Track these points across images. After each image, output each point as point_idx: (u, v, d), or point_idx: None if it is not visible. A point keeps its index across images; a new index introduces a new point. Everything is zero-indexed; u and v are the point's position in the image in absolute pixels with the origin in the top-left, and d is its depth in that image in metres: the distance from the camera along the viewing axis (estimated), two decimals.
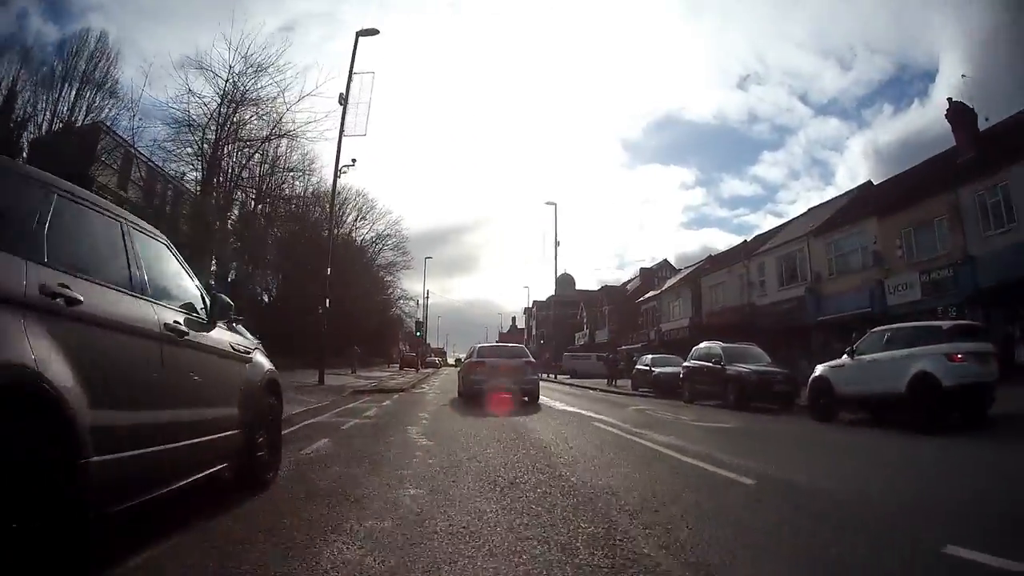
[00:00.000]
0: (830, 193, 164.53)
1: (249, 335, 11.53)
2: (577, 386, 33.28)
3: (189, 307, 4.39)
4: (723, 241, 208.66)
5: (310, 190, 46.44)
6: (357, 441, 8.86)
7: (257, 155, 36.00)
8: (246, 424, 4.94)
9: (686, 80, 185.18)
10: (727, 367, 18.28)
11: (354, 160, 23.25)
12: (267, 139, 33.44)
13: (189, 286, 4.63)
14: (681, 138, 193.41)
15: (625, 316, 59.08)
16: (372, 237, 63.44)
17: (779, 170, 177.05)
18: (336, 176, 22.60)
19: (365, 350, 56.42)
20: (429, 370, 57.65)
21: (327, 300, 22.22)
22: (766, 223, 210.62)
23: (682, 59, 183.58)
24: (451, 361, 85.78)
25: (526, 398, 17.86)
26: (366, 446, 8.31)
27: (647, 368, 26.59)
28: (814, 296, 31.14)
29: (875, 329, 14.09)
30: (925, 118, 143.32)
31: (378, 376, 32.10)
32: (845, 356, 13.88)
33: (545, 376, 45.72)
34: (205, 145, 30.80)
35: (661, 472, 6.77)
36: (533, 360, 19.83)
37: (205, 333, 4.46)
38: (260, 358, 5.64)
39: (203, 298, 4.69)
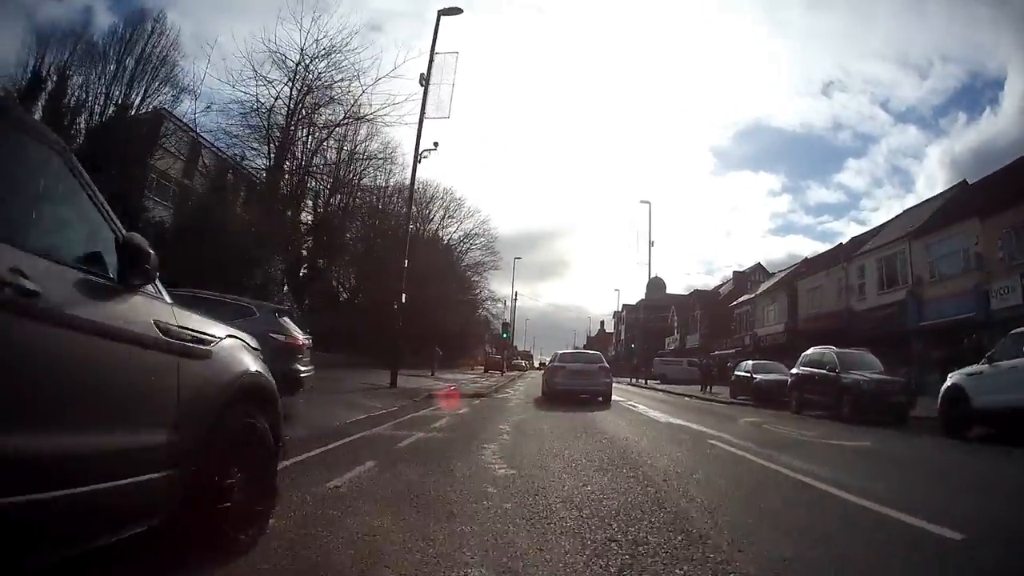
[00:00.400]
0: (910, 201, 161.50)
1: (291, 326, 10.33)
2: (669, 392, 31.91)
3: (90, 260, 2.67)
4: (808, 248, 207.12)
5: (392, 181, 46.02)
6: (412, 467, 6.66)
7: (332, 141, 35.76)
8: (190, 458, 2.99)
9: (773, 88, 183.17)
10: (842, 375, 16.73)
11: (436, 144, 22.20)
12: (341, 123, 33.15)
13: (98, 227, 2.82)
14: (769, 145, 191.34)
15: (717, 321, 57.10)
16: (460, 236, 63.14)
17: (862, 178, 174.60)
18: (416, 160, 21.66)
19: (448, 352, 55.77)
20: (514, 373, 56.57)
21: (403, 296, 21.46)
22: (849, 230, 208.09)
23: (768, 68, 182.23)
24: (537, 364, 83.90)
25: (600, 398, 20.02)
26: (421, 476, 6.17)
27: (747, 375, 25.16)
28: (915, 300, 29.40)
29: (1016, 331, 12.47)
30: (996, 127, 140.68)
31: (458, 379, 31.30)
32: (984, 363, 12.25)
33: (632, 381, 44.78)
34: (274, 129, 30.69)
35: (837, 524, 4.81)
36: (607, 365, 21.63)
37: (101, 303, 2.61)
38: (237, 354, 3.63)
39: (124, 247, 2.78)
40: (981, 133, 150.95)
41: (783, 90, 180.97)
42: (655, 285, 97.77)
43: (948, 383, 13.10)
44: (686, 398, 27.28)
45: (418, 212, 58.68)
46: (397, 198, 48.15)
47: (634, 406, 19.58)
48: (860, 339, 28.19)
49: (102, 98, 24.50)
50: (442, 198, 60.18)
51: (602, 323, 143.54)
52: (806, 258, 47.10)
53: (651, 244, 44.07)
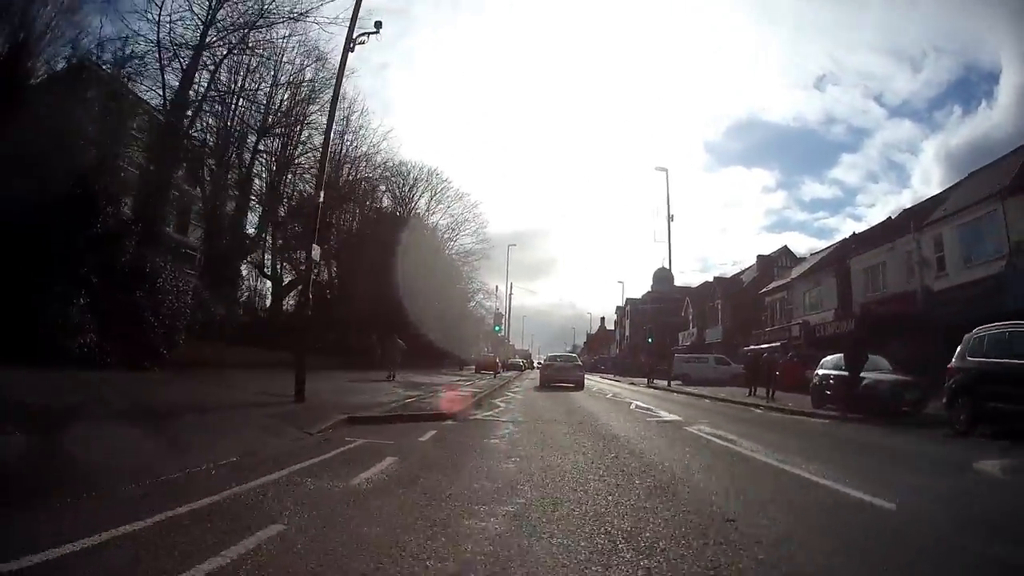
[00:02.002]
0: (906, 196, 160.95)
1: None
2: (705, 396, 24.72)
3: None
4: (804, 244, 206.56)
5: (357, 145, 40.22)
6: None
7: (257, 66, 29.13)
8: None
9: (765, 81, 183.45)
10: None
11: (379, 25, 14.42)
12: (255, 26, 26.35)
13: None
14: (762, 140, 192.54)
15: (741, 311, 49.49)
16: (448, 223, 57.88)
17: (857, 173, 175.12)
18: (348, 47, 13.92)
19: (435, 350, 48.82)
20: (511, 374, 49.45)
21: (313, 250, 13.77)
22: (846, 226, 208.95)
23: (760, 61, 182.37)
24: (536, 364, 79.39)
25: (573, 384, 27.66)
26: None
27: (837, 374, 17.55)
28: (1017, 274, 23.01)
29: None
30: (991, 120, 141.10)
31: (434, 383, 23.80)
32: None
33: (650, 382, 37.64)
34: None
35: None
36: (580, 364, 33.31)
37: None
38: None
39: None
40: (976, 127, 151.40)
41: (775, 83, 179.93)
42: (662, 277, 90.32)
43: None
44: (737, 407, 20.18)
45: (398, 193, 53.35)
46: (363, 166, 41.47)
47: (698, 431, 11.95)
48: (941, 325, 23.08)
49: None
50: (427, 180, 54.21)
51: (602, 320, 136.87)
52: (855, 233, 39.54)
53: (671, 218, 36.65)
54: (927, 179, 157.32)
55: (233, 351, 23.88)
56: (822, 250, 44.95)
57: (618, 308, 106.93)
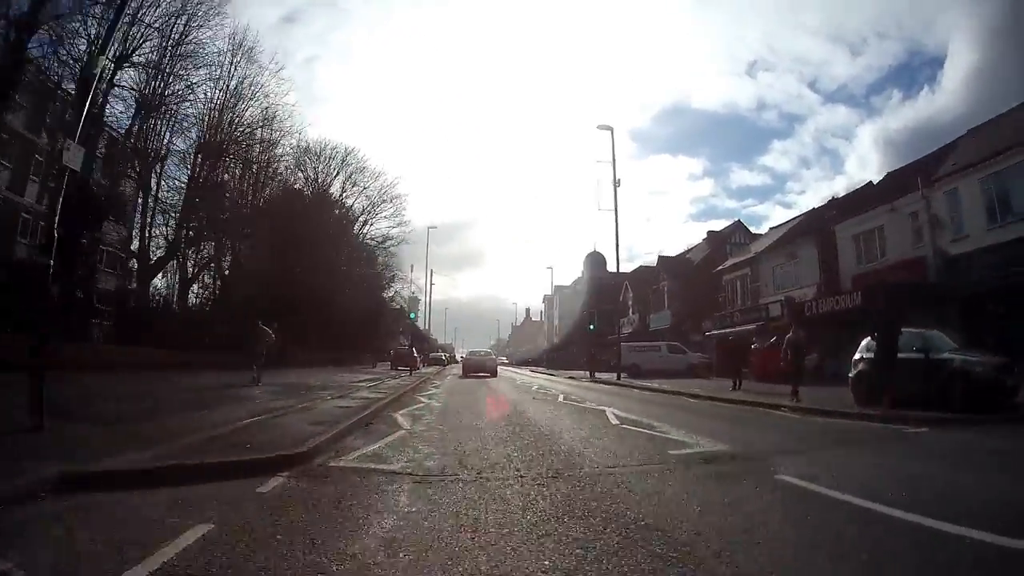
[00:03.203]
0: (840, 182, 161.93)
1: None
2: (675, 393, 19.29)
3: None
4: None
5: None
6: None
7: None
8: None
9: (694, 67, 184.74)
10: None
11: None
12: None
13: None
14: (690, 127, 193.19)
15: (691, 293, 44.04)
16: (364, 205, 52.53)
17: (788, 160, 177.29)
18: None
19: (344, 343, 43.76)
20: (431, 369, 43.89)
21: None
22: (775, 213, 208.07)
23: (690, 45, 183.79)
24: (459, 357, 75.07)
25: (489, 374, 34.00)
26: None
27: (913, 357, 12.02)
28: None
29: None
30: (934, 105, 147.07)
31: (320, 387, 17.17)
32: None
33: (592, 375, 32.80)
34: None
35: None
36: (494, 357, 43.52)
37: None
38: None
39: None
40: (918, 111, 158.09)
41: (706, 70, 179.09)
42: (595, 261, 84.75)
43: None
44: (742, 407, 14.68)
45: (311, 173, 48.03)
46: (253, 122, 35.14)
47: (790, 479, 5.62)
48: (960, 294, 21.86)
49: None
50: (343, 158, 49.36)
51: (527, 311, 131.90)
52: (834, 197, 34.50)
53: (617, 182, 30.86)
54: (863, 164, 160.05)
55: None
56: (785, 222, 39.96)
57: (546, 297, 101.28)
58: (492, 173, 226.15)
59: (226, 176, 34.90)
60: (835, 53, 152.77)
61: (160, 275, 33.58)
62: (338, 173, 49.63)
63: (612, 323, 58.20)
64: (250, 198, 38.01)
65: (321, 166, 48.48)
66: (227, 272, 37.48)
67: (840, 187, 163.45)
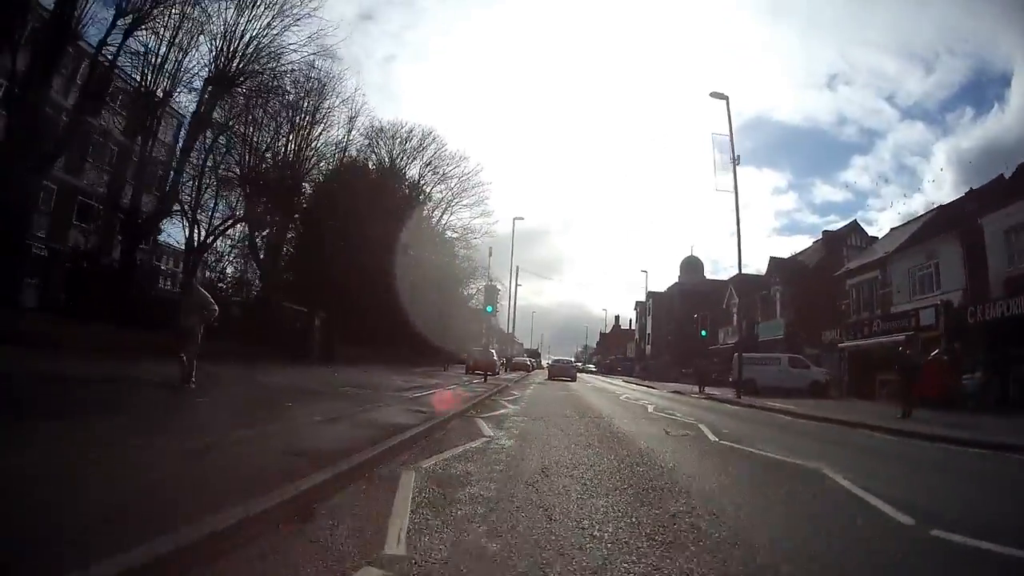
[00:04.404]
0: (918, 201, 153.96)
1: None
2: (851, 424, 15.11)
3: None
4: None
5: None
6: None
7: None
8: None
9: (774, 81, 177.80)
10: None
11: None
12: None
13: None
14: (772, 140, 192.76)
15: (806, 299, 39.94)
16: (444, 193, 48.54)
17: (868, 176, 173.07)
18: None
19: (413, 340, 39.63)
20: (514, 376, 39.00)
21: None
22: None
23: (770, 59, 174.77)
24: (544, 364, 73.81)
25: (570, 379, 39.14)
26: None
27: None
28: None
29: None
30: (1002, 123, 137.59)
31: (315, 392, 12.04)
32: None
33: (699, 391, 29.16)
34: None
35: None
36: (577, 365, 57.49)
37: None
38: None
39: None
40: (988, 130, 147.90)
41: (785, 82, 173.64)
42: (691, 266, 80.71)
43: None
44: (983, 454, 10.44)
45: (377, 155, 44.13)
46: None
47: None
48: None
49: None
50: (421, 141, 45.50)
51: (617, 318, 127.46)
52: (971, 188, 30.10)
53: (736, 159, 27.15)
54: (939, 183, 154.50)
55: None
56: (910, 221, 35.71)
57: (638, 303, 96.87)
58: (578, 178, 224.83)
59: (251, 122, 30.53)
60: (909, 69, 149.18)
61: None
62: (415, 157, 45.51)
63: (711, 331, 54.71)
64: (291, 158, 33.05)
65: (396, 147, 44.34)
66: (261, 245, 33.37)
67: (918, 205, 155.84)
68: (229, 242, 33.52)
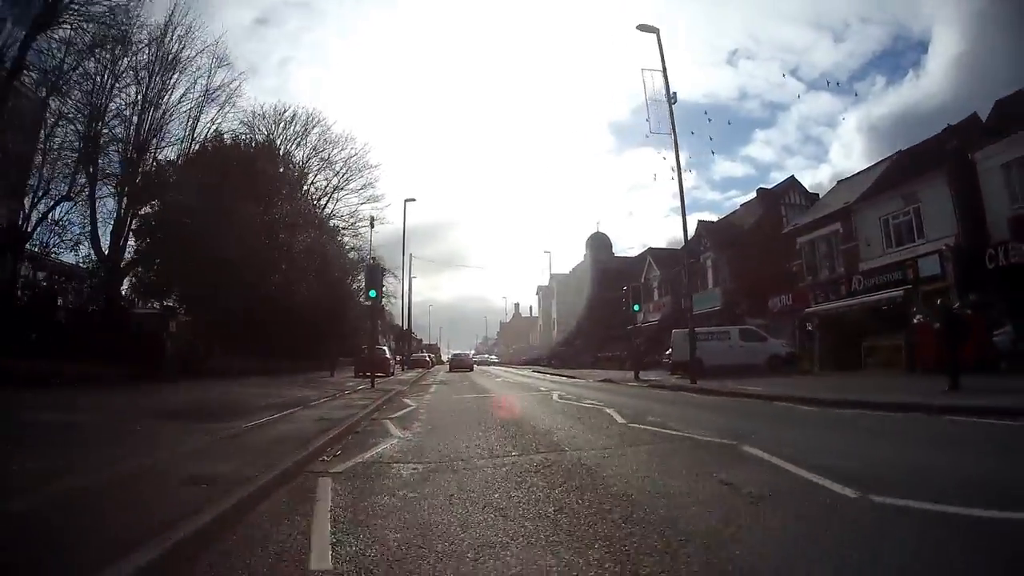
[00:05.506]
0: (824, 171, 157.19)
1: None
2: (877, 408, 10.29)
3: None
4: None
5: None
6: None
7: None
8: None
9: (675, 58, 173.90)
10: None
11: None
12: None
13: None
14: (669, 122, 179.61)
15: (745, 265, 34.94)
16: (331, 180, 42.73)
17: (771, 149, 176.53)
18: None
19: (294, 342, 32.71)
20: (411, 375, 33.90)
21: None
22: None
23: (670, 36, 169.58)
24: (445, 359, 76.59)
25: (468, 368, 46.65)
26: None
27: None
28: None
29: None
30: (920, 90, 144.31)
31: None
32: None
33: (635, 377, 24.80)
34: None
35: None
36: (472, 359, 60.31)
37: None
38: None
39: None
40: (903, 96, 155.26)
41: (686, 60, 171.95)
42: (599, 242, 75.19)
43: None
44: None
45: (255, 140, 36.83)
46: None
47: None
48: None
49: None
50: (306, 123, 40.59)
51: (516, 306, 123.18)
52: (949, 125, 25.19)
53: (672, 98, 22.62)
54: (848, 152, 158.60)
55: None
56: (866, 169, 31.11)
57: (540, 288, 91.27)
58: (472, 170, 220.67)
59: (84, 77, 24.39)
60: (817, 39, 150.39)
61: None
62: (299, 142, 40.11)
63: (623, 313, 49.26)
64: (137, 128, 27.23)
65: (279, 131, 38.90)
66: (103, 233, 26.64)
67: (824, 176, 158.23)
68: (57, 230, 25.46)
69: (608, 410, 11.83)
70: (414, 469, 6.39)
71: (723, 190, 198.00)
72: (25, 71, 21.49)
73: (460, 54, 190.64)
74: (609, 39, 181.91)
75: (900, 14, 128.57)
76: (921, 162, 24.66)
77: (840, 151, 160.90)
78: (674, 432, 8.53)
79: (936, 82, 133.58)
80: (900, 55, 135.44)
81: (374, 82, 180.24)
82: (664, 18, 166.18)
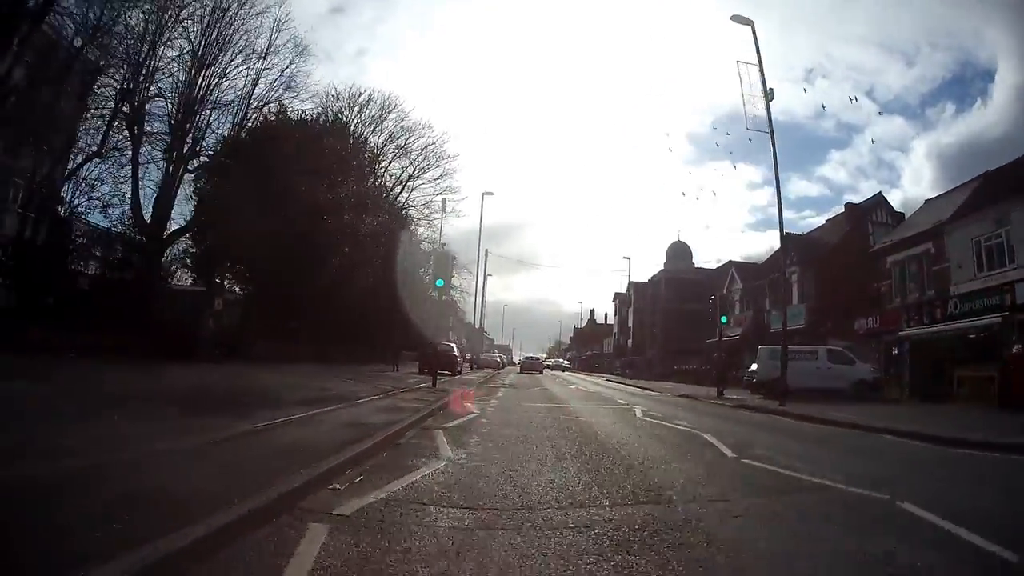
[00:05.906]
0: (896, 196, 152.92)
1: None
2: None
3: None
4: None
5: None
6: None
7: None
8: None
9: (752, 74, 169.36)
10: None
11: None
12: None
13: None
14: (748, 134, 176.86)
15: (830, 282, 34.76)
16: (406, 169, 43.16)
17: (846, 171, 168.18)
18: None
19: (358, 333, 34.07)
20: (479, 375, 33.31)
21: None
22: None
23: (748, 55, 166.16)
24: (516, 361, 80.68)
25: (539, 372, 49.72)
26: None
27: None
28: None
29: None
30: (984, 120, 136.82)
31: None
32: None
33: (717, 394, 25.28)
34: None
35: None
36: (542, 361, 65.69)
37: None
38: None
39: None
40: (970, 126, 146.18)
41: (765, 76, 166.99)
42: (680, 251, 74.64)
43: None
44: None
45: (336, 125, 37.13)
46: None
47: None
48: None
49: None
50: (383, 108, 40.94)
51: (592, 312, 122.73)
52: None
53: (768, 94, 23.10)
54: (917, 179, 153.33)
55: None
56: (951, 191, 30.68)
57: (618, 295, 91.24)
58: (548, 171, 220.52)
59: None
60: (889, 62, 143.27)
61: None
62: (375, 127, 40.18)
63: (696, 325, 49.29)
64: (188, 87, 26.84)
65: (352, 114, 39.13)
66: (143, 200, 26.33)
67: (896, 200, 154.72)
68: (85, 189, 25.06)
69: (707, 436, 11.00)
70: (457, 521, 4.61)
71: (798, 209, 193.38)
72: (62, 15, 20.85)
73: (539, 53, 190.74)
74: (689, 50, 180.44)
75: (967, 41, 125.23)
76: (1010, 183, 24.33)
77: (911, 176, 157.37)
78: (802, 477, 7.27)
79: (1001, 111, 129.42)
80: (968, 83, 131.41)
81: (449, 77, 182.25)
82: (739, 31, 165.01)
